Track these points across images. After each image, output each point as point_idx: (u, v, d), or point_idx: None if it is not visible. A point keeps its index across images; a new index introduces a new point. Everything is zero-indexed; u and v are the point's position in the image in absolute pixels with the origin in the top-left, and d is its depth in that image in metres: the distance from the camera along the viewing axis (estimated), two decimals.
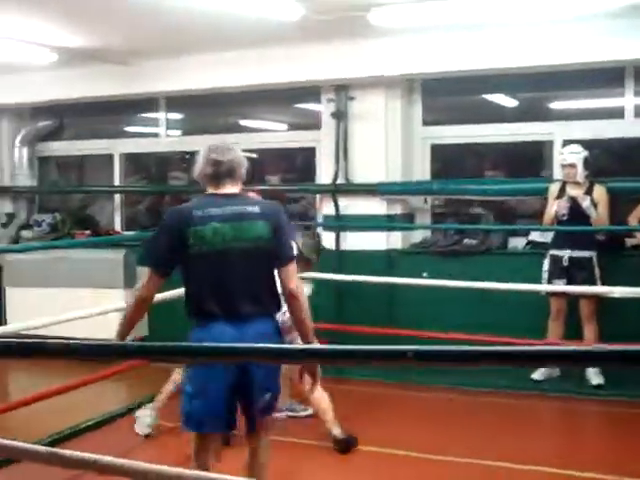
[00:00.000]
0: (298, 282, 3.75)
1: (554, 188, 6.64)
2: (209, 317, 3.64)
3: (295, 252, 3.76)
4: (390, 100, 7.45)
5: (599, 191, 6.47)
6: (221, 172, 3.68)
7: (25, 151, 9.27)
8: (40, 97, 8.49)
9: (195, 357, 2.15)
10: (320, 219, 7.95)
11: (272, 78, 7.43)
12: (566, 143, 6.93)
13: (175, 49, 7.41)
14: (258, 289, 3.67)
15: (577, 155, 6.47)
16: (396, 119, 7.47)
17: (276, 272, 3.71)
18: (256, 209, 3.66)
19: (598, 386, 6.37)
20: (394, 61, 7.02)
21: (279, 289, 3.75)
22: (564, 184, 6.58)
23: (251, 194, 4.42)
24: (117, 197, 9.25)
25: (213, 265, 3.60)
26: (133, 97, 8.43)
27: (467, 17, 6.06)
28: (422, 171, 7.68)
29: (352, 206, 7.57)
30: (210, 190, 3.73)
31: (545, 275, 6.52)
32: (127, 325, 3.85)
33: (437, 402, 6.43)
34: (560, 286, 6.38)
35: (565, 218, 6.45)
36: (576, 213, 6.41)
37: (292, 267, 3.70)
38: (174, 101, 8.80)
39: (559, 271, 6.44)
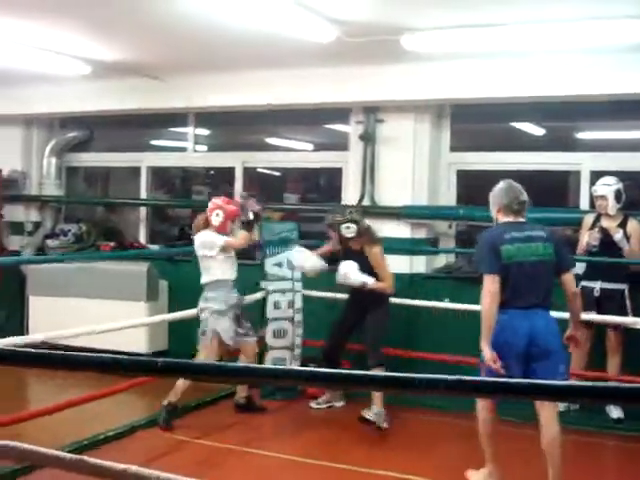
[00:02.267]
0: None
1: (588, 220, 6.58)
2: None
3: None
4: (419, 124, 7.47)
5: (633, 224, 6.43)
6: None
7: (54, 161, 9.37)
8: (71, 108, 8.57)
9: (221, 376, 2.15)
10: None
11: (302, 98, 7.47)
12: (593, 174, 6.92)
13: (207, 65, 7.48)
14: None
15: (608, 187, 6.43)
16: (424, 144, 7.49)
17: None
18: (541, 233, 4.82)
19: (618, 420, 6.32)
20: (424, 86, 7.04)
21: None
22: (599, 215, 6.53)
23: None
24: (142, 210, 9.31)
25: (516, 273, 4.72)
26: (163, 111, 8.50)
27: (499, 45, 6.08)
28: (448, 196, 7.68)
29: (377, 228, 7.57)
30: (507, 219, 4.86)
31: None
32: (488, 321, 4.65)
33: (445, 426, 6.37)
34: (588, 315, 6.33)
35: (595, 249, 6.40)
36: (608, 245, 6.36)
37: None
38: (203, 117, 8.87)
39: (590, 302, 6.34)
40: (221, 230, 6.14)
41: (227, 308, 6.14)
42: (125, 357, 1.84)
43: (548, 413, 4.76)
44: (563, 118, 7.65)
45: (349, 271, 6.22)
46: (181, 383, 6.04)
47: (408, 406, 6.55)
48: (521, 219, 4.89)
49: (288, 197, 8.87)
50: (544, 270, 4.75)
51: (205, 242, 6.16)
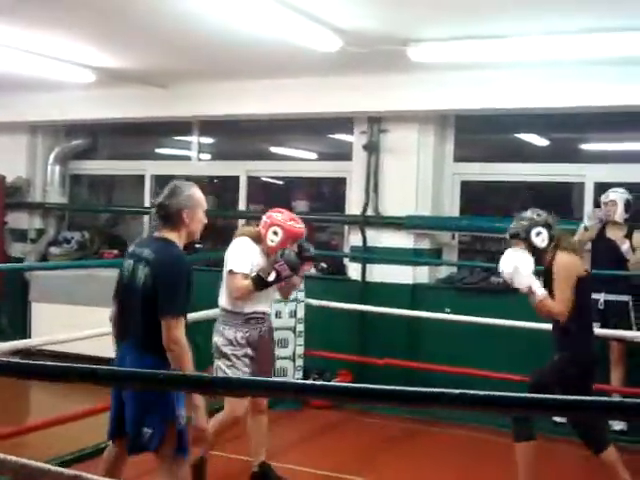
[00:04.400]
0: None
1: (593, 227, 6.51)
2: None
3: None
4: (423, 135, 7.47)
5: (639, 237, 6.43)
6: None
7: (57, 168, 9.39)
8: (76, 116, 8.59)
9: (223, 390, 2.14)
10: (347, 249, 7.97)
11: (306, 107, 7.47)
12: (597, 185, 6.92)
13: (212, 74, 7.50)
14: None
15: (619, 194, 6.44)
16: (428, 154, 7.49)
17: None
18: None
19: (621, 432, 6.29)
20: (428, 96, 7.04)
21: None
22: (604, 226, 6.52)
23: None
24: (146, 218, 9.31)
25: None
26: (167, 120, 8.52)
27: (503, 56, 6.08)
28: (451, 207, 7.68)
29: (380, 238, 7.58)
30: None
31: None
32: None
33: (459, 439, 6.36)
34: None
35: (587, 228, 6.42)
36: (614, 256, 6.36)
37: None
38: (208, 125, 8.89)
39: (594, 314, 6.36)
40: (273, 252, 4.77)
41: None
42: (128, 370, 1.83)
43: None
44: (567, 129, 7.65)
45: (521, 264, 4.66)
46: (256, 439, 5.09)
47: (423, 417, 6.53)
48: (162, 233, 3.96)
49: (296, 205, 8.86)
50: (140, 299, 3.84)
51: (228, 255, 4.82)
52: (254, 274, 4.63)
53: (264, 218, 4.86)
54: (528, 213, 4.88)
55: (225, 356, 4.75)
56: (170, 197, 3.91)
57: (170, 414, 3.80)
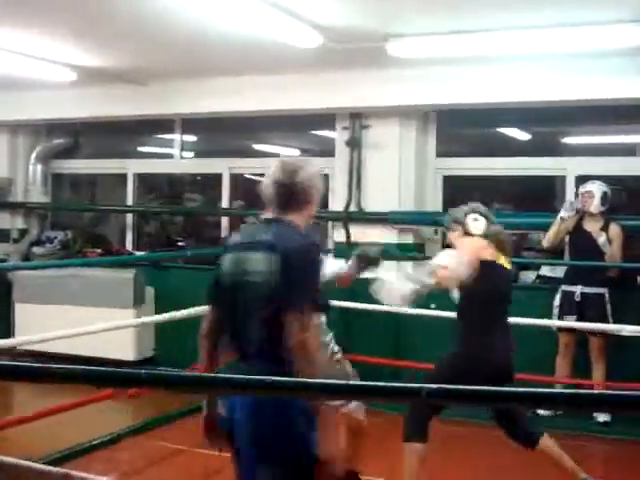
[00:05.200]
0: None
1: (569, 221, 6.57)
2: None
3: None
4: (405, 130, 7.49)
5: (615, 229, 6.45)
6: None
7: (39, 168, 9.34)
8: (57, 115, 8.55)
9: (208, 388, 2.13)
10: (331, 246, 7.97)
11: (288, 104, 7.47)
12: (579, 179, 6.95)
13: (193, 72, 7.48)
14: None
15: (597, 186, 6.47)
16: (410, 149, 7.51)
17: None
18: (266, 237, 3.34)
19: (604, 423, 6.33)
20: (410, 92, 7.06)
21: None
22: (581, 218, 6.55)
23: None
24: (129, 217, 9.28)
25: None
26: (149, 118, 8.49)
27: (484, 50, 6.09)
28: (434, 201, 7.70)
29: (363, 233, 7.58)
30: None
31: (556, 310, 6.48)
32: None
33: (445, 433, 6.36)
34: (570, 322, 6.35)
35: (567, 219, 6.47)
36: (590, 248, 6.40)
37: None
38: (190, 123, 8.87)
39: (570, 307, 6.40)
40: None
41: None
42: (107, 369, 1.82)
43: None
44: (548, 123, 7.69)
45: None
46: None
47: None
48: (287, 216, 3.29)
49: None
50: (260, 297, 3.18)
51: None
52: None
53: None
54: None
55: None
56: (293, 174, 3.26)
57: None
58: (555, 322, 6.43)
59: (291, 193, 3.25)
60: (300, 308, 3.08)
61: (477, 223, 4.56)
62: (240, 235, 3.40)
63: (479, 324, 4.43)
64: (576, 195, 6.73)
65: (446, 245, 5.06)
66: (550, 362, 6.47)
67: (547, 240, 6.59)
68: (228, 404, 3.23)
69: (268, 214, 3.32)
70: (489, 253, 4.45)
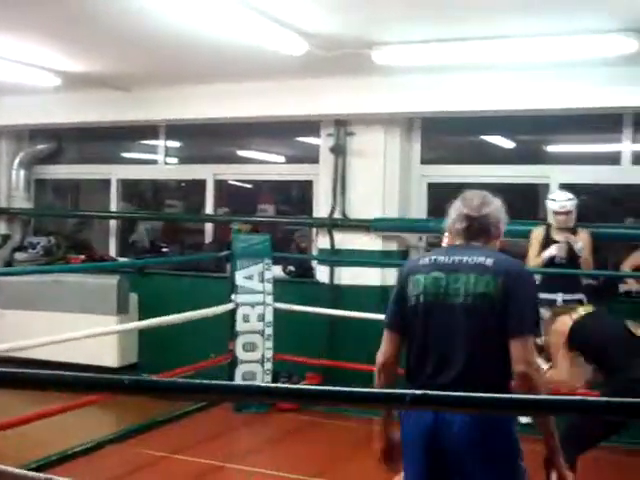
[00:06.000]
0: None
1: (538, 232, 6.59)
2: None
3: None
4: (389, 137, 7.50)
5: (584, 235, 6.51)
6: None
7: (22, 173, 9.29)
8: (41, 120, 8.52)
9: (189, 394, 2.13)
10: (315, 252, 7.98)
11: (273, 111, 7.47)
12: (562, 187, 6.97)
13: (178, 78, 7.46)
14: None
15: (573, 202, 6.50)
16: (395, 156, 7.52)
17: None
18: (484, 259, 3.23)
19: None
20: (395, 99, 7.07)
21: None
22: (548, 228, 6.58)
23: None
24: (112, 223, 9.24)
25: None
26: (133, 124, 8.46)
27: (468, 58, 6.11)
28: (418, 208, 7.71)
29: (348, 241, 7.59)
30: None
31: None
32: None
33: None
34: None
35: (564, 262, 6.45)
36: (569, 256, 6.44)
37: None
38: (174, 129, 8.85)
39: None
40: None
41: None
42: (90, 375, 1.81)
43: None
44: (532, 131, 7.71)
45: None
46: None
47: None
48: (474, 242, 3.26)
49: (263, 209, 8.86)
50: (474, 319, 3.09)
51: None
52: None
53: None
54: None
55: None
56: (487, 207, 3.28)
57: None
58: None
59: (484, 225, 3.25)
60: (527, 333, 3.05)
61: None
62: (429, 257, 3.25)
63: None
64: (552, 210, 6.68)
65: None
66: None
67: (536, 264, 6.53)
68: (412, 428, 3.13)
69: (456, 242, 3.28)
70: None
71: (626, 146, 7.06)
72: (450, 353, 3.07)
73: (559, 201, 6.54)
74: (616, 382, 4.46)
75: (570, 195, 6.54)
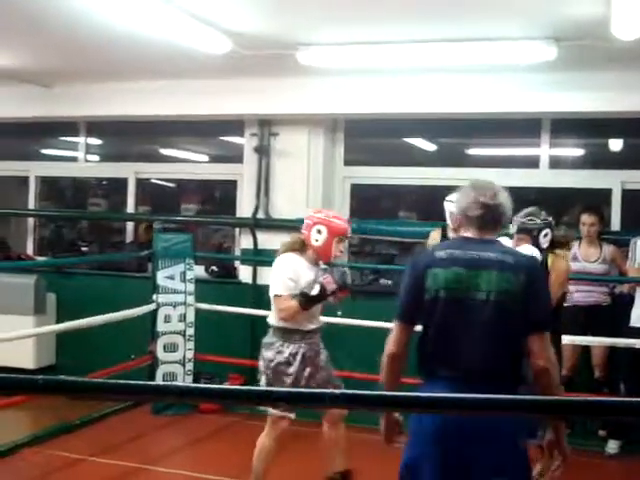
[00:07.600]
0: None
1: (436, 234, 6.34)
2: None
3: None
4: (313, 138, 7.51)
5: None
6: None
7: None
8: None
9: (105, 394, 2.08)
10: (238, 252, 7.95)
11: (196, 109, 7.41)
12: None
13: (99, 75, 7.34)
14: None
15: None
16: (318, 157, 7.54)
17: None
18: (503, 256, 3.26)
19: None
20: (318, 100, 7.09)
21: None
22: (444, 229, 6.58)
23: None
24: (30, 220, 9.05)
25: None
26: (52, 120, 8.30)
27: (391, 62, 6.17)
28: (341, 209, 7.74)
29: (271, 241, 7.57)
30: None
31: None
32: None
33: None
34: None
35: None
36: None
37: None
38: (95, 126, 8.71)
39: None
40: (323, 252, 4.66)
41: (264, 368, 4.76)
42: (2, 375, 1.76)
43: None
44: (454, 134, 7.83)
45: None
46: (259, 465, 4.86)
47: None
48: (488, 236, 3.27)
49: (187, 208, 8.78)
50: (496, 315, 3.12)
51: (272, 276, 4.74)
52: (298, 292, 4.54)
53: (305, 221, 4.75)
54: (538, 211, 4.92)
55: (275, 372, 4.67)
56: (499, 196, 3.30)
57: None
58: None
59: (497, 216, 3.27)
60: (545, 329, 3.12)
61: (546, 239, 4.85)
62: (444, 251, 3.23)
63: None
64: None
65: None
66: None
67: None
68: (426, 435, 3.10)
69: (465, 234, 3.29)
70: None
71: (544, 151, 7.22)
72: (469, 348, 3.11)
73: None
74: None
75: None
